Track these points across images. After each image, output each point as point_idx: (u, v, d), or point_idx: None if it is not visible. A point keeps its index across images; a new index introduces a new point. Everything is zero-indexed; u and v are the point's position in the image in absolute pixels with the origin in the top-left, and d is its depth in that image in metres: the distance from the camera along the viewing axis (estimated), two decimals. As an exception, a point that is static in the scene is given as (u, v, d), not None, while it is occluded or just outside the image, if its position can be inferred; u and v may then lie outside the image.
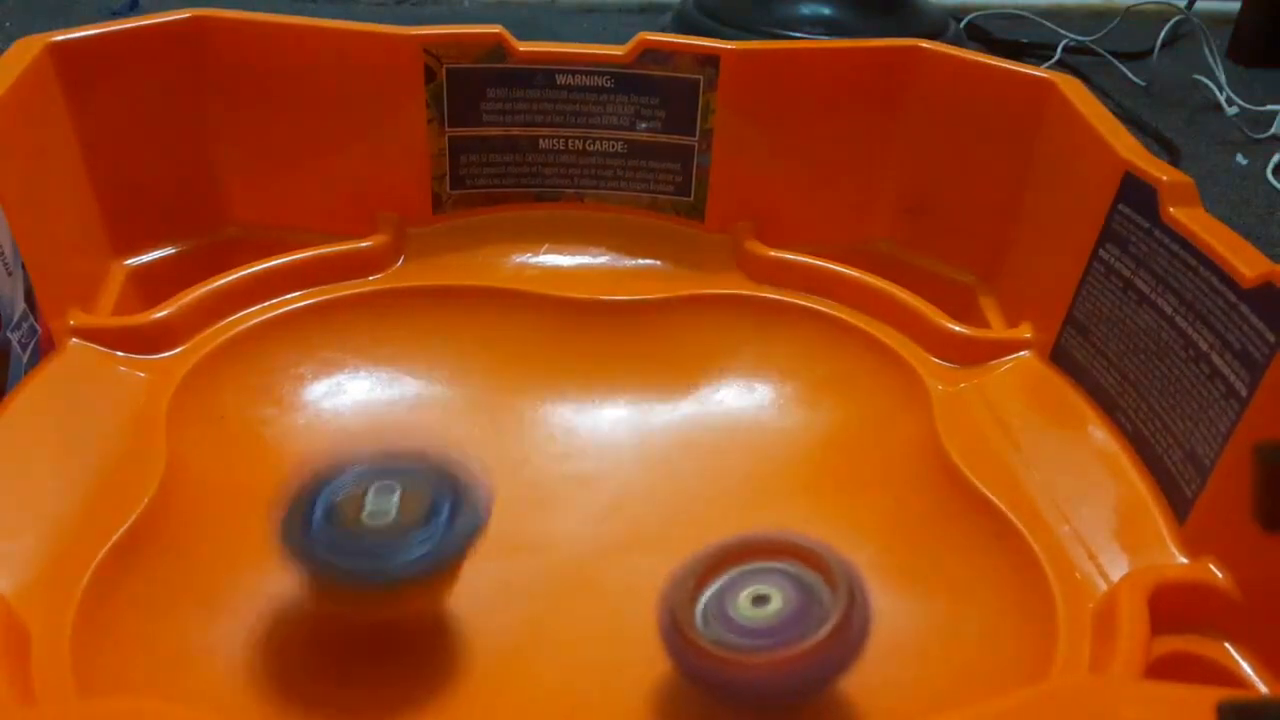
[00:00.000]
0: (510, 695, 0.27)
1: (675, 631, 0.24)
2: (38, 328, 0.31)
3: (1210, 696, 0.18)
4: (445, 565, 0.26)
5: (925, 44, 0.38)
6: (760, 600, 0.25)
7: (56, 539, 0.26)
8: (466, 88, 0.38)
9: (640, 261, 0.40)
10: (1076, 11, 0.82)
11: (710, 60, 0.38)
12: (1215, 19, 0.77)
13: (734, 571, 0.25)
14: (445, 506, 0.26)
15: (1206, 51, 0.68)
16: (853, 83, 0.38)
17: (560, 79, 0.38)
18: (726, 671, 0.24)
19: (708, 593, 0.25)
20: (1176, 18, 0.73)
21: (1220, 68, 0.68)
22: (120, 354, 0.32)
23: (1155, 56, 0.71)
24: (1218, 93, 0.68)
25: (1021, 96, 0.36)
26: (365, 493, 0.26)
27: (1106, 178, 0.32)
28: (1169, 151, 0.61)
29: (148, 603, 0.27)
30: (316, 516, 0.25)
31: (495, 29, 0.37)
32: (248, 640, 0.27)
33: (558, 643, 0.28)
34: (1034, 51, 0.74)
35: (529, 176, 0.40)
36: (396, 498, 0.26)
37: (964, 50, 0.38)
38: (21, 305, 0.30)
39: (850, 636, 0.24)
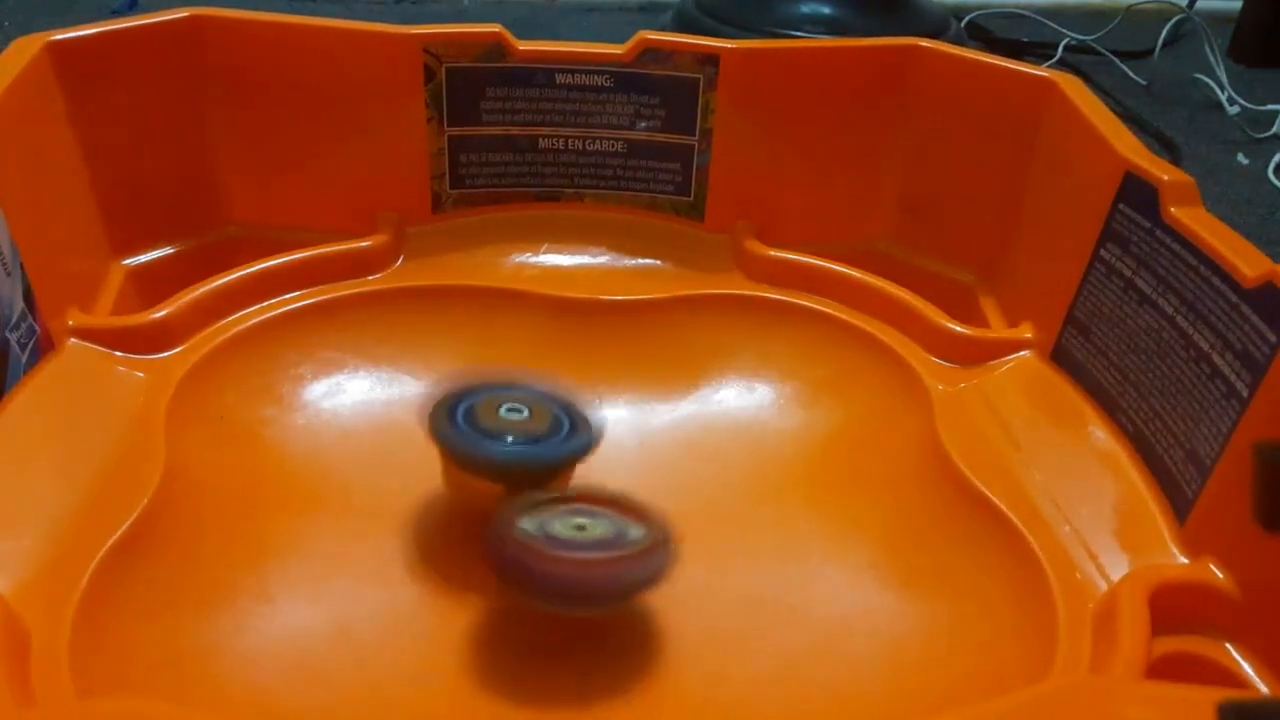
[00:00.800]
0: (513, 701, 0.27)
1: (497, 530, 0.27)
2: (37, 328, 0.31)
3: (1211, 697, 0.18)
4: (561, 466, 0.30)
5: (925, 43, 0.38)
6: (580, 527, 0.27)
7: (56, 539, 0.26)
8: (466, 87, 0.38)
9: (640, 261, 0.40)
10: (1077, 10, 0.82)
11: (710, 59, 0.37)
12: (1216, 18, 0.77)
13: (565, 507, 0.28)
14: (566, 424, 0.30)
15: (1208, 51, 0.68)
16: (853, 82, 0.38)
17: (560, 78, 0.38)
18: (532, 562, 0.26)
19: (536, 516, 0.27)
20: (1178, 17, 0.73)
21: (1221, 67, 0.68)
22: (119, 354, 0.32)
23: (1156, 56, 0.71)
24: (1219, 92, 0.68)
25: (1022, 96, 0.36)
26: (498, 407, 0.30)
27: (1107, 177, 0.32)
28: (1170, 151, 0.61)
29: (147, 603, 0.27)
30: (459, 416, 0.29)
31: (495, 28, 0.37)
32: (244, 640, 0.27)
33: (560, 647, 0.28)
34: (1035, 50, 0.74)
35: (528, 176, 0.40)
36: (526, 413, 0.30)
37: (964, 49, 0.38)
38: (20, 305, 0.30)
39: (651, 563, 0.27)
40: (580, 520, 0.27)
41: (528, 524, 0.27)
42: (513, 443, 0.29)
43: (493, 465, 0.29)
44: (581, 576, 0.26)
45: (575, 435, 0.30)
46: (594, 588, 0.27)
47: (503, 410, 0.30)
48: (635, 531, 0.27)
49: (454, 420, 0.29)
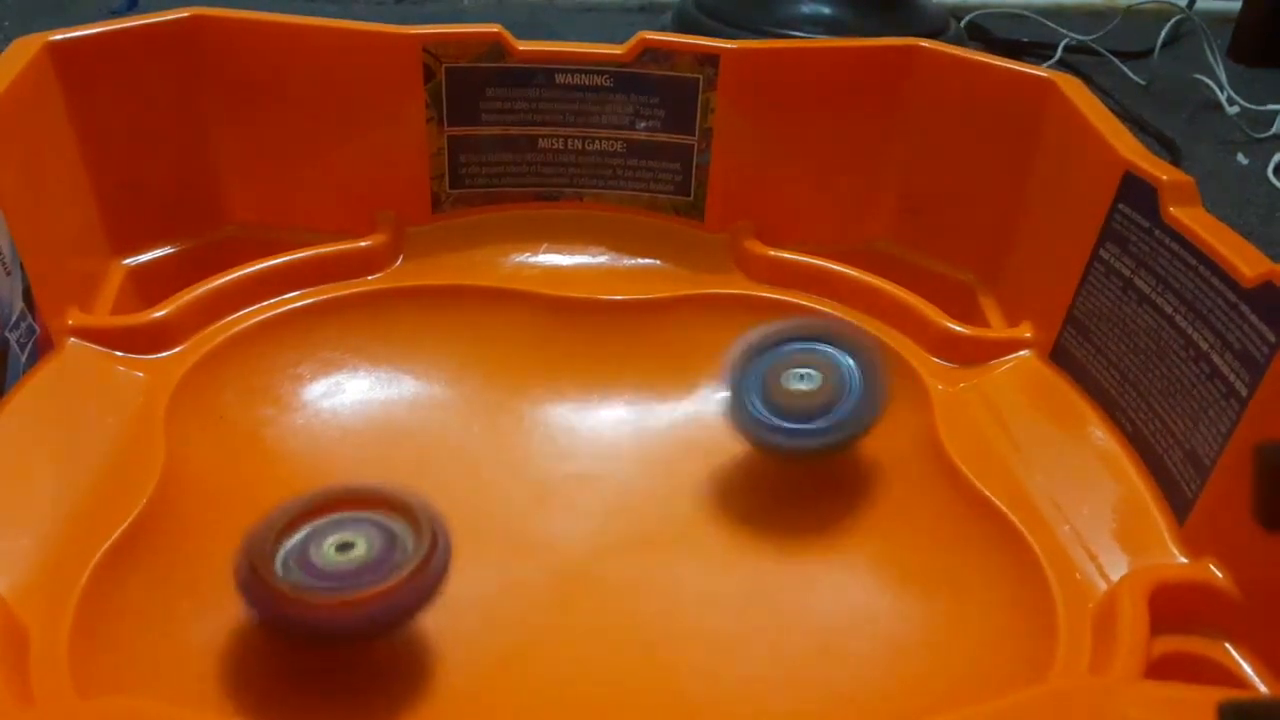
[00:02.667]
0: (510, 693, 0.27)
1: (252, 577, 0.25)
2: (36, 327, 0.31)
3: (1211, 697, 0.18)
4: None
5: (925, 43, 0.38)
6: (345, 547, 0.25)
7: (55, 539, 0.26)
8: (465, 87, 0.38)
9: (639, 261, 0.40)
10: (1077, 11, 0.82)
11: (710, 59, 0.37)
12: (1216, 18, 0.77)
13: (320, 521, 0.26)
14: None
15: (1207, 51, 0.68)
16: (852, 82, 0.38)
17: (559, 78, 0.38)
18: (295, 612, 0.24)
19: (291, 541, 0.26)
20: (1177, 17, 0.73)
21: (1221, 67, 0.68)
22: (119, 354, 0.32)
23: (1156, 56, 0.71)
24: (1219, 92, 0.68)
25: (1022, 96, 0.36)
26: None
27: (1107, 177, 0.32)
28: (1170, 151, 0.61)
29: (145, 603, 0.27)
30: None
31: (494, 28, 0.37)
32: (244, 640, 0.27)
33: (557, 641, 0.28)
34: (1034, 51, 0.74)
35: (528, 176, 0.40)
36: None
37: (964, 49, 0.38)
38: (20, 305, 0.30)
39: (426, 580, 0.25)
40: (344, 537, 0.26)
41: (286, 553, 0.25)
42: (811, 427, 0.31)
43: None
44: (352, 617, 0.24)
45: (865, 386, 0.31)
46: (365, 625, 0.25)
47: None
48: (405, 540, 0.26)
49: (754, 409, 0.31)
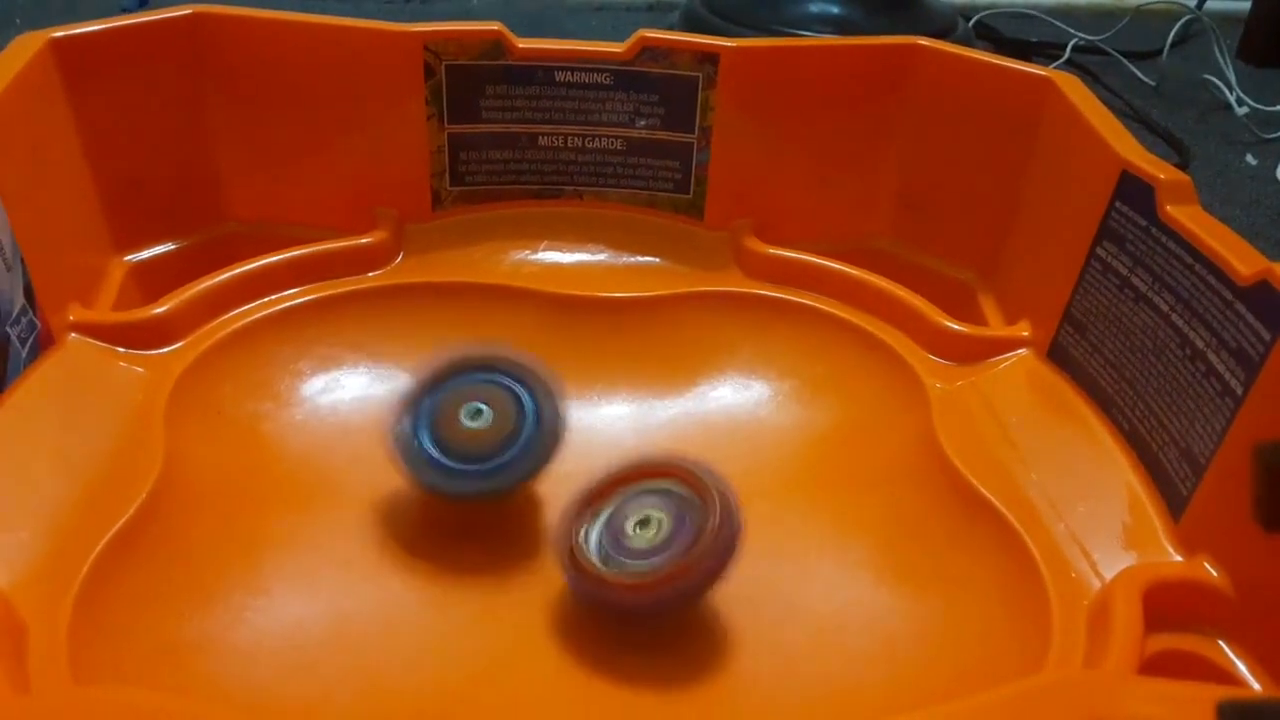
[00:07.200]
0: (509, 690, 0.27)
1: (574, 565, 0.28)
2: (37, 322, 0.31)
3: (1210, 694, 0.18)
4: (531, 477, 0.30)
5: (924, 42, 0.38)
6: (644, 523, 0.28)
7: (55, 532, 0.26)
8: (466, 84, 0.38)
9: (639, 259, 0.40)
10: (1085, 11, 0.82)
11: (709, 57, 0.38)
12: (1225, 19, 0.76)
13: (619, 497, 0.28)
14: (530, 410, 0.30)
15: (1217, 51, 0.68)
16: (852, 81, 0.38)
17: (559, 76, 0.38)
18: (618, 595, 0.27)
19: (600, 521, 0.28)
20: (1186, 17, 0.73)
21: (1230, 67, 0.68)
22: (119, 349, 0.33)
23: (1165, 56, 0.71)
24: (1228, 92, 0.67)
25: (1020, 94, 0.36)
26: (459, 411, 0.30)
27: (1104, 175, 0.32)
28: (1179, 151, 0.61)
29: (144, 595, 0.27)
30: (425, 440, 0.30)
31: (495, 26, 0.37)
32: (241, 634, 0.27)
33: (556, 644, 0.28)
34: (1043, 50, 0.74)
35: (528, 173, 0.40)
36: (487, 415, 0.30)
37: (963, 48, 0.38)
38: (21, 300, 0.30)
39: (721, 546, 0.27)
40: (645, 513, 0.28)
41: (594, 535, 0.28)
42: (478, 469, 0.30)
43: (465, 499, 0.30)
44: (656, 597, 0.27)
45: (540, 427, 0.30)
46: (671, 601, 0.27)
47: (463, 417, 0.30)
48: (695, 500, 0.27)
49: (433, 460, 0.30)
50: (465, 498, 0.30)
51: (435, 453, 0.30)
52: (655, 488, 0.28)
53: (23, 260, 0.30)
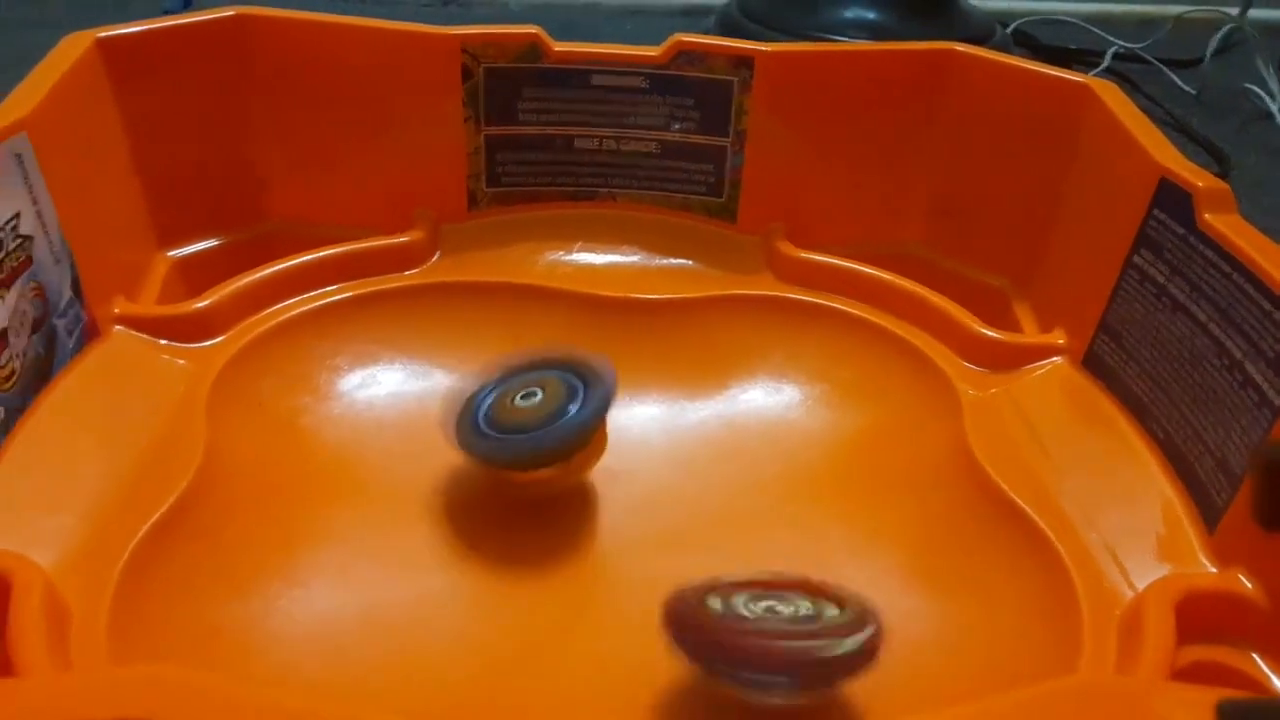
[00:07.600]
0: (537, 688, 0.27)
1: (684, 608, 0.25)
2: (83, 315, 0.32)
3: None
4: (587, 429, 0.30)
5: (960, 47, 0.38)
6: (771, 610, 0.25)
7: (98, 519, 0.27)
8: (503, 87, 0.38)
9: (671, 261, 0.40)
10: (1126, 19, 0.81)
11: (745, 62, 0.38)
12: (1268, 28, 0.75)
13: (751, 591, 0.26)
14: (580, 387, 0.31)
15: (1259, 60, 0.67)
16: (887, 86, 0.38)
17: (595, 79, 0.38)
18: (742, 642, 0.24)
19: (719, 598, 0.26)
20: (1228, 26, 0.72)
21: (1273, 77, 0.67)
22: (163, 342, 0.33)
23: (1206, 65, 0.70)
24: (1269, 102, 0.66)
25: (1057, 101, 0.36)
26: (513, 398, 0.31)
27: (1142, 183, 0.32)
28: (1219, 161, 0.60)
29: (183, 582, 0.27)
30: (480, 424, 0.31)
31: (532, 29, 0.37)
32: (276, 622, 0.28)
33: (583, 638, 0.29)
34: (1082, 58, 0.73)
35: (563, 175, 0.40)
36: (540, 395, 0.31)
37: (999, 54, 0.38)
38: (68, 293, 0.31)
39: (862, 660, 0.25)
40: (773, 603, 0.26)
41: (715, 603, 0.26)
42: (532, 430, 0.30)
43: (520, 459, 0.30)
44: (796, 659, 0.24)
45: (589, 393, 0.31)
46: (809, 672, 0.25)
47: (518, 400, 0.31)
48: (828, 608, 0.26)
49: (476, 428, 0.31)
50: (486, 460, 0.31)
51: (481, 423, 0.31)
52: (789, 595, 0.26)
53: (70, 254, 0.31)
